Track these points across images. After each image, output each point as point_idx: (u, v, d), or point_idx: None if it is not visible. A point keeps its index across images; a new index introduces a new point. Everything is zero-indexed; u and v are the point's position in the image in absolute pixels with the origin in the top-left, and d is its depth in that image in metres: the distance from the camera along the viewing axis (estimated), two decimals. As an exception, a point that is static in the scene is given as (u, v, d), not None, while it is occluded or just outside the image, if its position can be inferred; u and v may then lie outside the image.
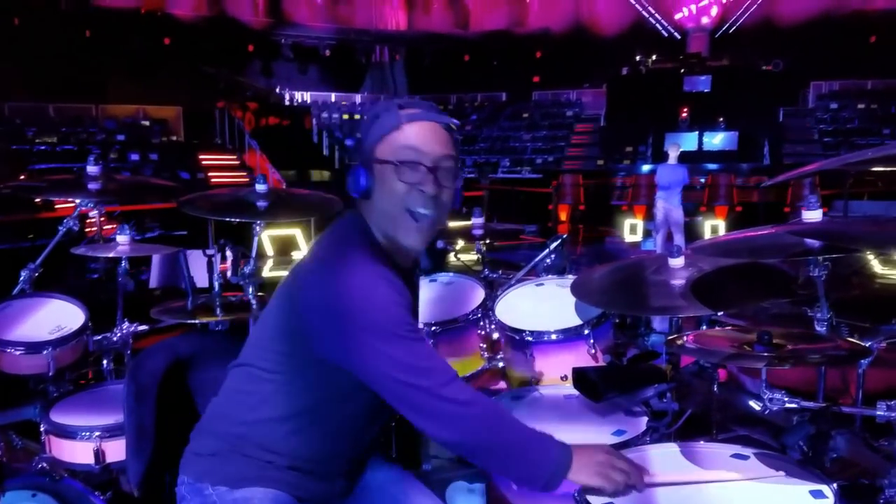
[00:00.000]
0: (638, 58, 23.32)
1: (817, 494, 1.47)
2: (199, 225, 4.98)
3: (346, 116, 23.91)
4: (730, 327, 2.33)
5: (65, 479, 2.06)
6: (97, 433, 2.36)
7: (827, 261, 2.20)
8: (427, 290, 2.80)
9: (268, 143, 17.33)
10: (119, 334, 2.88)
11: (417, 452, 2.41)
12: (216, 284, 3.08)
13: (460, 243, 3.34)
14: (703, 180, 15.66)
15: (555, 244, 3.03)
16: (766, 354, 1.76)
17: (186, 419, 1.66)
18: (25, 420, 2.98)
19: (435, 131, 1.53)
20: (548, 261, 3.06)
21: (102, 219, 3.34)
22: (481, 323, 2.61)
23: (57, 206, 9.88)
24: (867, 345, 2.10)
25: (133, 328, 2.92)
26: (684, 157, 10.42)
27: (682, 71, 21.88)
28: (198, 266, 3.21)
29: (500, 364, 2.58)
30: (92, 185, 3.00)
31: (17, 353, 2.64)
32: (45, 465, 2.09)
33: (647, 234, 12.47)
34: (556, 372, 2.36)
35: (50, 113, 17.66)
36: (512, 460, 1.42)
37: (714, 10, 24.83)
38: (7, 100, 16.68)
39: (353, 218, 1.57)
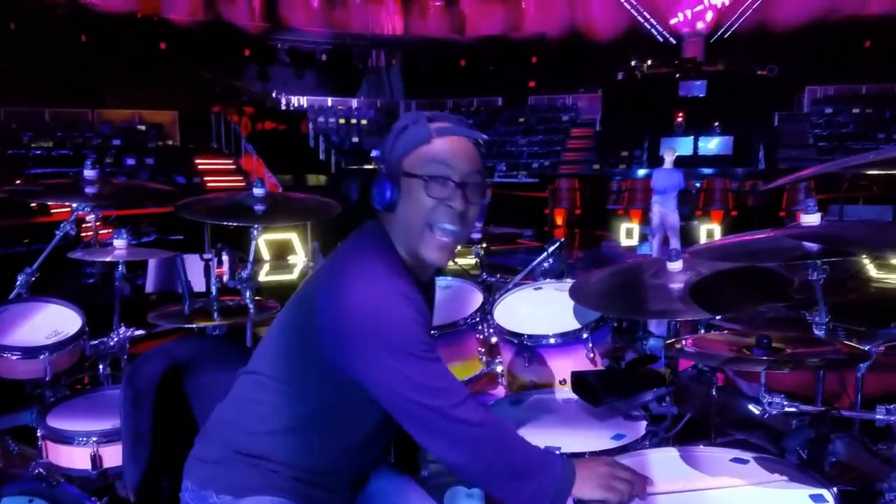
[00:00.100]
0: (633, 63, 23.39)
1: (817, 499, 1.46)
2: (196, 229, 4.96)
3: (342, 121, 23.97)
4: (727, 331, 2.33)
5: (61, 485, 2.05)
6: (94, 438, 2.35)
7: (825, 264, 2.21)
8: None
9: (264, 148, 17.29)
10: (116, 339, 2.86)
11: (416, 458, 2.40)
12: (213, 289, 3.08)
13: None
14: (698, 185, 15.67)
15: (553, 248, 3.04)
16: (765, 358, 1.76)
17: (184, 424, 1.65)
18: (22, 425, 2.96)
19: (464, 146, 1.51)
20: (545, 265, 3.07)
21: (99, 223, 3.32)
22: (480, 327, 2.60)
23: (53, 211, 9.88)
24: (866, 349, 2.10)
25: (130, 333, 2.90)
26: (680, 162, 10.47)
27: (678, 76, 21.94)
28: (195, 270, 3.20)
29: (499, 368, 2.56)
30: (88, 190, 2.99)
31: (14, 357, 2.62)
32: (41, 470, 2.08)
33: (644, 238, 12.47)
34: (554, 376, 2.36)
35: (46, 117, 17.59)
36: (518, 481, 1.39)
37: (709, 16, 24.89)
38: (3, 104, 16.60)
39: (374, 229, 1.54)
